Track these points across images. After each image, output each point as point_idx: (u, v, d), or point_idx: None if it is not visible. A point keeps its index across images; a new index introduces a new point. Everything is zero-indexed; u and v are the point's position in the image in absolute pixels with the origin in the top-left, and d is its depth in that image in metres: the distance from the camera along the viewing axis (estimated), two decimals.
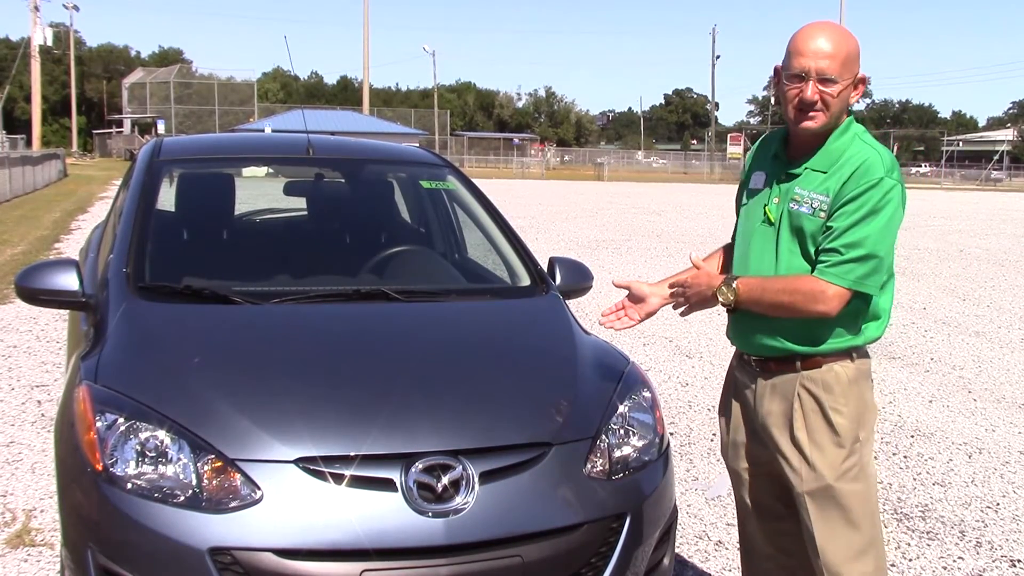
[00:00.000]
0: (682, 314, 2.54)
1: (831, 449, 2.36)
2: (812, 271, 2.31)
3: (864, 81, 2.35)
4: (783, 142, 2.46)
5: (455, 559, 2.28)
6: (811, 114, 2.29)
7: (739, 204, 2.60)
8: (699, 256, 2.56)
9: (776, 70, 2.40)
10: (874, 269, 2.26)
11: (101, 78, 77.30)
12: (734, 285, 2.35)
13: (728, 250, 2.69)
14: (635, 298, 2.59)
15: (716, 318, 9.02)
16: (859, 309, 2.34)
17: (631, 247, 15.31)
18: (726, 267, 2.67)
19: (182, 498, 2.28)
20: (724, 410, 2.67)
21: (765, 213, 2.42)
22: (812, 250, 2.32)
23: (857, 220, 2.24)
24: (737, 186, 2.66)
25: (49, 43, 53.21)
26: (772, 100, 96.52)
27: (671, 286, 2.52)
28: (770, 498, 2.58)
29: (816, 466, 2.37)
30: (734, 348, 2.62)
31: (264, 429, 2.37)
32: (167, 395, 2.48)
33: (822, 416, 2.37)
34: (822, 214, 2.29)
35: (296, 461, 2.31)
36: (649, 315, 2.59)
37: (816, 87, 2.26)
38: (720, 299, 2.38)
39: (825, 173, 2.32)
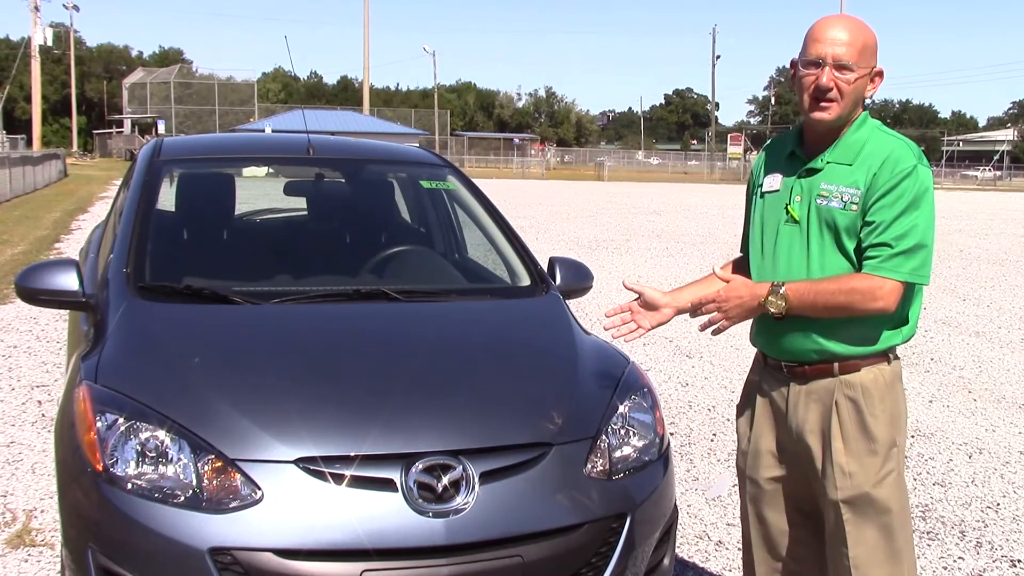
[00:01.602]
0: (715, 333, 2.37)
1: (869, 456, 2.32)
2: (856, 267, 2.27)
3: (881, 75, 2.32)
4: (798, 140, 2.42)
5: (455, 559, 2.28)
6: (824, 104, 2.26)
7: (750, 210, 2.52)
8: (719, 267, 2.47)
9: (793, 62, 2.35)
10: (925, 260, 2.23)
11: (101, 78, 77.35)
12: (782, 292, 2.26)
13: (739, 264, 2.62)
14: (647, 305, 2.47)
15: None
16: (901, 306, 2.29)
17: (631, 247, 15.31)
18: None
19: (182, 498, 2.29)
20: (745, 417, 2.59)
21: (788, 212, 2.37)
22: (848, 244, 2.28)
23: (901, 211, 2.21)
24: (745, 195, 2.59)
25: (49, 43, 53.26)
26: (772, 100, 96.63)
27: (696, 304, 2.38)
28: (789, 506, 2.53)
29: (854, 473, 2.32)
30: (741, 352, 2.57)
31: (264, 429, 2.37)
32: (167, 395, 2.48)
33: (860, 423, 2.32)
34: (854, 207, 2.25)
35: (296, 461, 2.31)
36: (660, 324, 2.48)
37: (832, 74, 2.23)
38: (771, 309, 2.27)
39: (850, 166, 2.28)
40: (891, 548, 2.35)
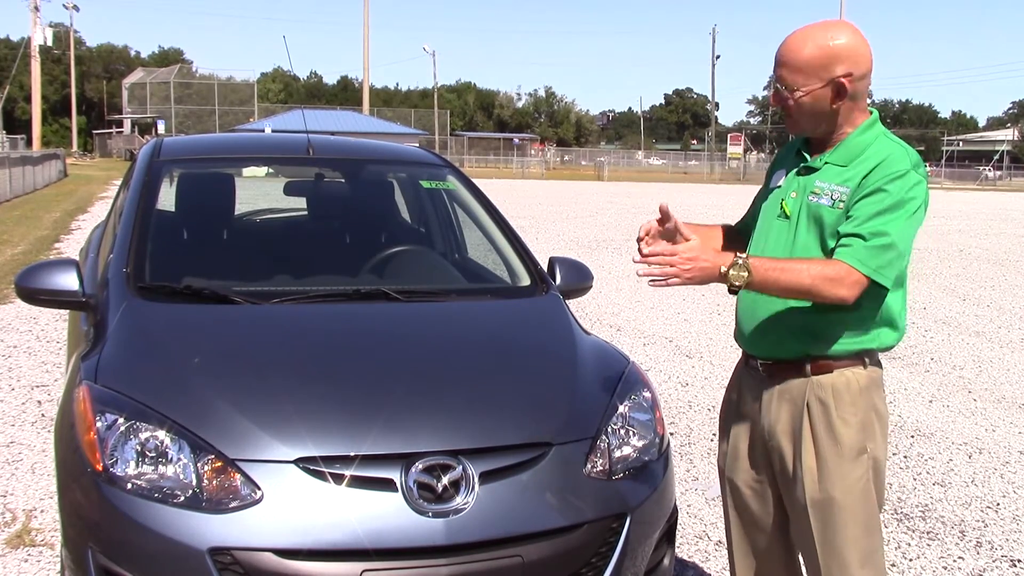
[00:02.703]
0: (653, 284, 2.21)
1: (835, 460, 2.31)
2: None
3: (845, 83, 2.24)
4: (804, 139, 2.44)
5: (455, 559, 2.28)
6: (788, 118, 2.33)
7: (758, 203, 2.55)
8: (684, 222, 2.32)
9: None
10: (892, 261, 2.20)
11: (101, 78, 77.37)
12: (743, 262, 2.17)
13: (728, 232, 2.63)
14: (667, 234, 2.30)
15: (716, 318, 9.02)
16: (873, 308, 2.28)
17: (631, 247, 15.22)
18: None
19: (182, 498, 2.29)
20: (727, 417, 2.61)
21: (782, 207, 2.39)
22: (831, 243, 2.27)
23: (882, 209, 2.19)
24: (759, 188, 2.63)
25: (49, 43, 53.21)
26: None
27: (647, 254, 2.19)
28: (765, 507, 2.52)
29: (821, 477, 2.32)
30: (740, 352, 2.57)
31: (264, 429, 2.37)
32: (167, 395, 2.48)
33: (829, 426, 2.32)
34: (841, 205, 2.25)
35: (296, 461, 2.31)
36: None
37: (781, 94, 2.29)
38: (733, 281, 2.17)
39: (845, 167, 2.29)
40: (858, 552, 2.34)
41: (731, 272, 2.17)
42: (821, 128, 2.32)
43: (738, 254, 2.21)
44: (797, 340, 2.33)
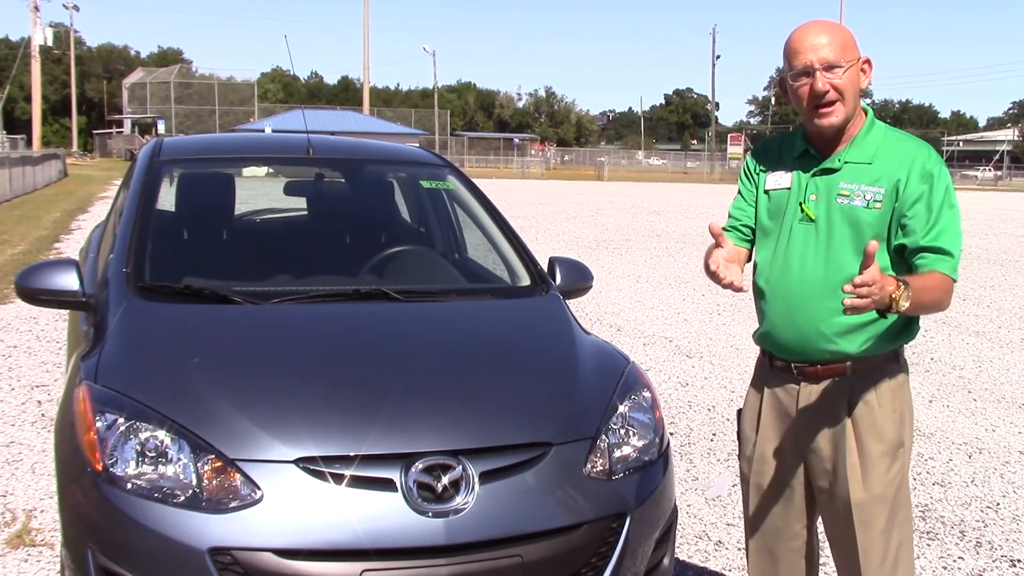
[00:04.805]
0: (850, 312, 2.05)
1: (880, 457, 2.32)
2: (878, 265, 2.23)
3: (869, 62, 2.32)
4: (806, 140, 2.40)
5: (455, 559, 2.28)
6: (828, 109, 2.26)
7: (755, 207, 2.49)
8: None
9: (782, 81, 2.36)
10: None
11: (101, 78, 77.37)
12: (909, 287, 2.08)
13: (734, 252, 2.52)
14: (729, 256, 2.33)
15: (716, 318, 9.02)
16: None
17: (631, 247, 15.31)
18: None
19: (182, 498, 2.29)
20: (750, 422, 2.55)
21: (803, 211, 2.35)
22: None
23: (946, 216, 2.24)
24: (739, 190, 2.55)
25: (49, 43, 53.28)
26: (772, 100, 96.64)
27: (860, 283, 1.98)
28: (791, 513, 2.50)
29: (867, 474, 2.32)
30: (745, 353, 2.55)
31: (264, 429, 2.37)
32: (167, 395, 2.48)
33: (872, 423, 2.32)
34: (877, 205, 2.26)
35: (296, 461, 2.31)
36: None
37: (824, 77, 2.24)
38: (899, 306, 2.05)
39: (870, 164, 2.29)
40: (895, 547, 2.36)
41: (900, 299, 2.06)
42: (851, 115, 2.29)
43: (900, 279, 2.10)
44: (842, 343, 2.31)
